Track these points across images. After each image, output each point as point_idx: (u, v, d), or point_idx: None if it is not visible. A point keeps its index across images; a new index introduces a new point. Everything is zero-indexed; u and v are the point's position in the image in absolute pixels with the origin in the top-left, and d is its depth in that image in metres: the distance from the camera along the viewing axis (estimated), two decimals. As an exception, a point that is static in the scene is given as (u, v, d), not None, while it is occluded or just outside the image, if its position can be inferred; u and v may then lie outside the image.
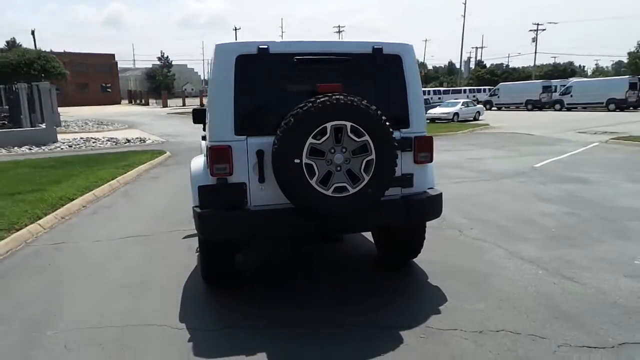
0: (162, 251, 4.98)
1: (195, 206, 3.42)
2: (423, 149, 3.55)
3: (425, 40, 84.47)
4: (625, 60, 62.50)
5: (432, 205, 3.59)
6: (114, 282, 4.11)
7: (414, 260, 4.28)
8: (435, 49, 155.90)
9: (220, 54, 3.30)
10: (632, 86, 28.73)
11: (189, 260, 4.63)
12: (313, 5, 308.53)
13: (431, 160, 3.64)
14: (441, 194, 3.67)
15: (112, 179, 8.98)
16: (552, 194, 7.00)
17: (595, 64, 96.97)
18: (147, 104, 58.94)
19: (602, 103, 29.34)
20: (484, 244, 4.81)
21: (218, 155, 3.24)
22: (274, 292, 3.85)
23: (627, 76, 32.17)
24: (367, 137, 3.12)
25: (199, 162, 3.74)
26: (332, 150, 3.13)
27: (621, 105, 28.55)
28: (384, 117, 3.15)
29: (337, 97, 3.08)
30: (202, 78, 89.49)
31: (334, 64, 3.45)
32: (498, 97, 36.52)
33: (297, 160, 3.05)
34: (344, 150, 3.14)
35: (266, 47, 3.29)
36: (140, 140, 17.20)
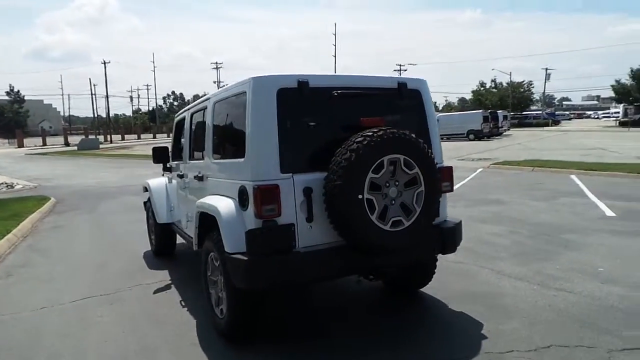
0: (141, 312, 4.29)
1: (235, 253, 3.05)
2: (446, 178, 3.69)
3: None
4: (468, 97, 72.96)
5: (459, 233, 3.72)
6: None
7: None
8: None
9: (259, 88, 3.08)
10: (485, 119, 33.63)
11: (184, 318, 4.07)
12: (185, 42, 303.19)
13: (452, 190, 3.79)
14: (461, 221, 3.83)
15: (8, 233, 7.57)
16: (484, 216, 7.75)
17: (445, 100, 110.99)
18: (-6, 144, 51.06)
19: (464, 134, 33.60)
20: (468, 267, 5.09)
21: (266, 195, 2.97)
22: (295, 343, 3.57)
23: (480, 110, 37.40)
24: (417, 169, 3.16)
25: (225, 203, 3.32)
26: (387, 184, 3.09)
27: (479, 135, 33.03)
28: (429, 149, 3.23)
29: (392, 130, 3.08)
30: (62, 114, 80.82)
31: (366, 98, 3.45)
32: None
33: (360, 196, 2.95)
34: (397, 183, 3.13)
35: (306, 80, 3.17)
36: (8, 186, 14.91)
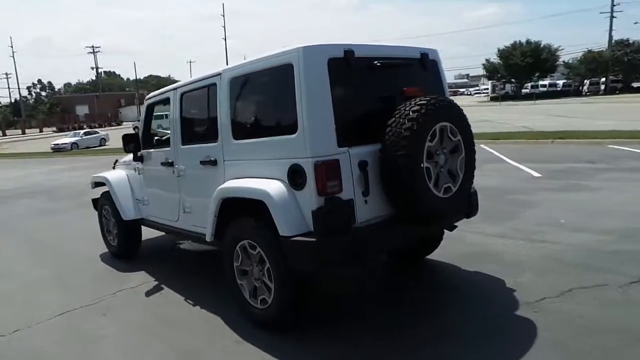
0: (148, 317, 3.86)
1: (296, 235, 2.88)
2: None
3: (190, 62, 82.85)
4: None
5: (477, 199, 3.92)
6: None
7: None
8: (200, 70, 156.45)
9: (311, 58, 2.89)
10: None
11: (205, 316, 3.74)
12: (45, 25, 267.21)
13: None
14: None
15: None
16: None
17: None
18: None
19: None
20: (449, 233, 5.40)
21: (329, 171, 2.84)
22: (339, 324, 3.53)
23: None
24: (459, 137, 3.25)
25: (274, 185, 3.08)
26: (437, 152, 3.14)
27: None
28: (466, 116, 3.34)
29: (441, 98, 3.13)
30: None
31: (399, 68, 3.44)
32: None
33: (422, 165, 2.96)
34: (444, 151, 3.19)
35: (352, 50, 3.06)
36: None
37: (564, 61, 57.06)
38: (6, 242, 6.93)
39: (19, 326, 3.84)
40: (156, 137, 5.07)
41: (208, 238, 3.68)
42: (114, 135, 37.36)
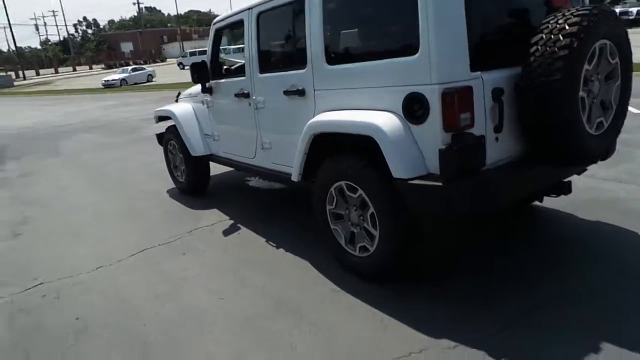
0: (231, 258, 3.62)
1: (415, 178, 2.43)
2: None
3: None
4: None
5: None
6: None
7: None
8: (241, 3, 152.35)
9: None
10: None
11: (291, 260, 3.46)
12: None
13: None
14: None
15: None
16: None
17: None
18: None
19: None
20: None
21: (462, 100, 2.31)
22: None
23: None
24: (617, 59, 2.61)
25: (384, 117, 2.59)
26: (592, 78, 2.53)
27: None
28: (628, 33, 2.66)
29: (604, 9, 2.46)
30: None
31: None
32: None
33: (580, 94, 2.38)
34: (599, 76, 2.57)
35: None
36: None
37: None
38: (76, 176, 6.93)
39: (100, 262, 3.71)
40: (226, 67, 4.63)
41: (295, 178, 3.30)
42: (160, 71, 37.56)
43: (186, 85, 7.05)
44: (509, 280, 2.88)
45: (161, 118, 5.49)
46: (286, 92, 3.33)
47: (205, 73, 4.32)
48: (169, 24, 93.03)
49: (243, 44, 3.85)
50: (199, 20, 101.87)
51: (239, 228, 4.19)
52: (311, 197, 3.26)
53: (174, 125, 5.14)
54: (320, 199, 3.17)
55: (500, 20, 2.60)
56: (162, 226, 4.42)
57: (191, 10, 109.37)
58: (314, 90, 3.10)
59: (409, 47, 2.42)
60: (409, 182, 2.44)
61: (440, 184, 2.35)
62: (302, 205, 4.61)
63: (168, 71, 39.48)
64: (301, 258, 3.43)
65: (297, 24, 3.20)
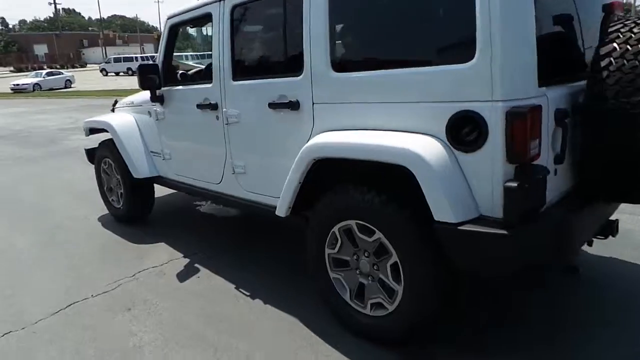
0: (190, 319, 2.82)
1: (468, 222, 1.86)
2: None
3: (158, 2, 75.55)
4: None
5: None
6: None
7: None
8: (168, 9, 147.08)
9: None
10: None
11: (272, 319, 2.74)
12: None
13: None
14: None
15: None
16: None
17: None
18: None
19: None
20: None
21: (533, 123, 1.79)
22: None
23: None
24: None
25: (423, 141, 1.99)
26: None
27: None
28: None
29: None
30: None
31: None
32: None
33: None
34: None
35: None
36: None
37: None
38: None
39: (8, 326, 2.75)
40: (182, 71, 3.84)
41: (282, 212, 2.62)
42: (81, 77, 34.69)
43: (111, 93, 6.12)
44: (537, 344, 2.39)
45: (93, 130, 4.55)
46: (272, 105, 2.65)
47: (156, 78, 3.50)
48: (90, 28, 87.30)
49: (202, 43, 3.11)
50: (123, 26, 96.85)
51: (198, 269, 3.39)
52: (304, 235, 2.60)
53: (110, 140, 4.24)
54: (316, 241, 2.51)
55: (563, 24, 2.14)
56: (95, 268, 3.50)
57: (115, 15, 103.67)
58: (313, 103, 2.46)
59: (460, 51, 1.87)
60: (459, 227, 1.87)
61: (506, 232, 1.79)
62: (276, 235, 3.91)
63: (89, 77, 36.74)
64: (287, 313, 2.73)
65: (289, 18, 2.55)
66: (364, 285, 2.39)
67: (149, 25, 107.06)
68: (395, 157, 1.99)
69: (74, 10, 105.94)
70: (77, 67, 55.60)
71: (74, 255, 3.75)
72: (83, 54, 71.65)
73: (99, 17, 77.89)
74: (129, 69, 42.91)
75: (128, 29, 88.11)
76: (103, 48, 63.66)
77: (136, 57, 45.61)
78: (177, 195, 5.04)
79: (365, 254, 2.33)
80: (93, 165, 4.69)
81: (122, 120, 4.12)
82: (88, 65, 60.88)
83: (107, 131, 4.26)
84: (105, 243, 4.00)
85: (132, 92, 5.08)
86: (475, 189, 1.91)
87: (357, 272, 2.40)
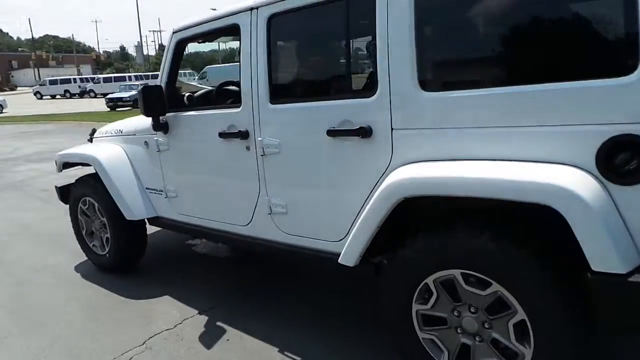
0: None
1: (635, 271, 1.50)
2: None
3: (96, 21, 72.29)
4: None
5: None
6: None
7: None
8: (107, 32, 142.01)
9: None
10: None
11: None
12: None
13: None
14: None
15: None
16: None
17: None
18: None
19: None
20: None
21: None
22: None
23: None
24: None
25: (567, 175, 1.59)
26: None
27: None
28: None
29: None
30: None
31: None
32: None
33: None
34: None
35: None
36: None
37: None
38: None
39: None
40: (187, 93, 3.30)
41: (350, 260, 2.15)
42: (12, 101, 32.16)
43: (51, 118, 5.46)
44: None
45: (67, 165, 3.86)
46: (332, 132, 2.19)
47: (160, 103, 2.93)
48: (20, 49, 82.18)
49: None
50: (56, 47, 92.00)
51: (223, 330, 2.82)
52: (379, 290, 2.14)
53: (91, 176, 3.60)
54: (399, 295, 2.07)
55: None
56: (91, 337, 2.82)
57: (47, 35, 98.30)
58: (392, 129, 2.03)
59: (614, 62, 1.53)
60: (630, 279, 1.50)
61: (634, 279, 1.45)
62: (290, 269, 3.42)
63: (22, 101, 34.26)
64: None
65: (354, 25, 2.14)
66: (470, 347, 1.96)
67: (85, 45, 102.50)
68: (536, 195, 1.60)
69: (0, 30, 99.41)
70: (6, 91, 51.85)
71: (55, 322, 3.04)
72: (12, 76, 67.22)
73: (30, 37, 73.50)
74: (66, 91, 40.42)
75: (62, 50, 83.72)
76: (35, 70, 59.91)
77: (74, 79, 43.15)
78: (161, 232, 4.40)
79: (471, 309, 1.92)
80: (56, 204, 3.99)
81: (110, 153, 3.49)
82: (19, 88, 57.00)
83: (87, 165, 3.61)
84: (93, 300, 3.32)
85: (75, 115, 4.39)
86: (636, 230, 1.56)
87: (459, 331, 1.98)
